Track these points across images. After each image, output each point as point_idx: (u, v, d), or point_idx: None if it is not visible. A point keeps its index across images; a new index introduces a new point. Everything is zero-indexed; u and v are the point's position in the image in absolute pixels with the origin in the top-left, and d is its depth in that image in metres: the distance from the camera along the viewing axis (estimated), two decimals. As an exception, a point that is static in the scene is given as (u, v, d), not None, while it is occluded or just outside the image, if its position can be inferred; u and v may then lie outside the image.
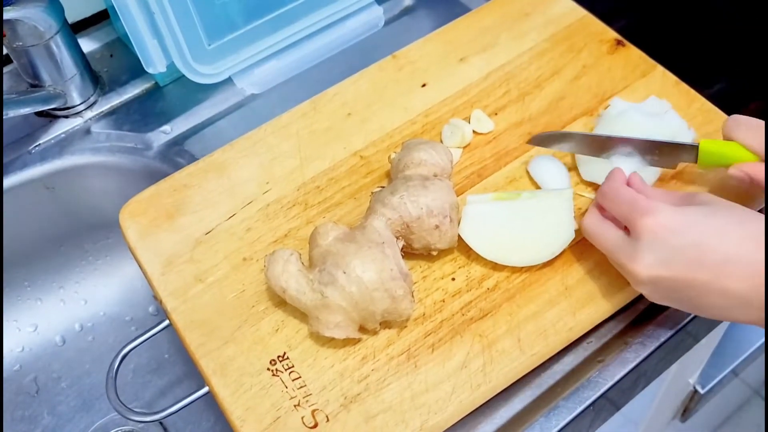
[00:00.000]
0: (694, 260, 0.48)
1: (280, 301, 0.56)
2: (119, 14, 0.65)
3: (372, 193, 0.58)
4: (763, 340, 1.02)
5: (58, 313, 0.80)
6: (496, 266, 0.57)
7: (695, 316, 0.58)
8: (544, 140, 0.62)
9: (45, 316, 0.80)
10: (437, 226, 0.55)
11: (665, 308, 0.58)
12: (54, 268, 0.80)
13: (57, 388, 0.77)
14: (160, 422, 0.75)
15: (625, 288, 0.56)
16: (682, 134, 0.62)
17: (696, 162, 0.58)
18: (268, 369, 0.54)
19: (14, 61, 0.71)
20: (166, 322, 0.58)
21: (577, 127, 0.65)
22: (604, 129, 0.63)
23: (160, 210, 0.63)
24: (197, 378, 0.56)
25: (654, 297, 0.51)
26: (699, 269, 0.48)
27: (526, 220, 0.57)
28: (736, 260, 0.47)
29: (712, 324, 0.65)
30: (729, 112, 0.64)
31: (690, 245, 0.48)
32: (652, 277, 0.49)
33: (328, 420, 0.51)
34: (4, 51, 0.73)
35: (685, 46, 0.76)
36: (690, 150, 0.58)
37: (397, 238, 0.56)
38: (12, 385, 0.77)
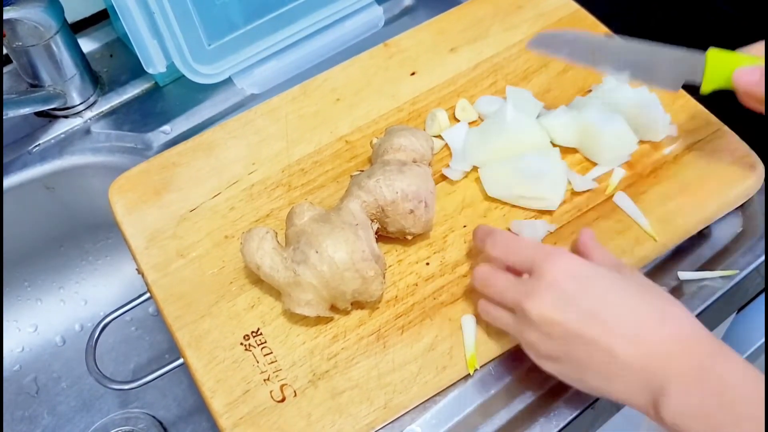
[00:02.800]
0: (587, 312, 0.46)
1: (257, 278, 0.57)
2: (119, 14, 0.65)
3: (351, 176, 0.59)
4: (763, 340, 1.02)
5: (58, 313, 0.80)
6: (470, 252, 0.58)
7: (696, 316, 0.57)
8: (542, 42, 0.60)
9: (45, 316, 0.80)
10: (412, 211, 0.56)
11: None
12: (54, 268, 0.80)
13: (57, 388, 0.77)
14: (160, 422, 0.75)
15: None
16: (663, 127, 0.63)
17: (701, 83, 0.53)
18: (241, 344, 0.55)
19: (14, 61, 0.71)
20: (147, 294, 0.60)
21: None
22: (592, 103, 0.63)
23: (148, 186, 0.64)
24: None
25: (543, 348, 0.48)
26: (590, 323, 0.46)
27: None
28: (629, 324, 0.45)
29: (712, 324, 0.65)
30: (729, 112, 0.64)
31: (587, 296, 0.46)
32: (545, 318, 0.46)
33: (295, 395, 0.52)
34: (4, 51, 0.73)
35: (685, 47, 0.77)
36: (695, 62, 0.53)
37: (372, 221, 0.56)
38: (12, 385, 0.77)
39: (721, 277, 0.59)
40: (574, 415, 0.54)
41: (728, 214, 0.61)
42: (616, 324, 0.45)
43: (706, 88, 0.54)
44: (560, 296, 0.46)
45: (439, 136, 0.65)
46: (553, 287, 0.47)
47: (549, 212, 0.60)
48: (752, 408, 0.42)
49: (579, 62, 0.59)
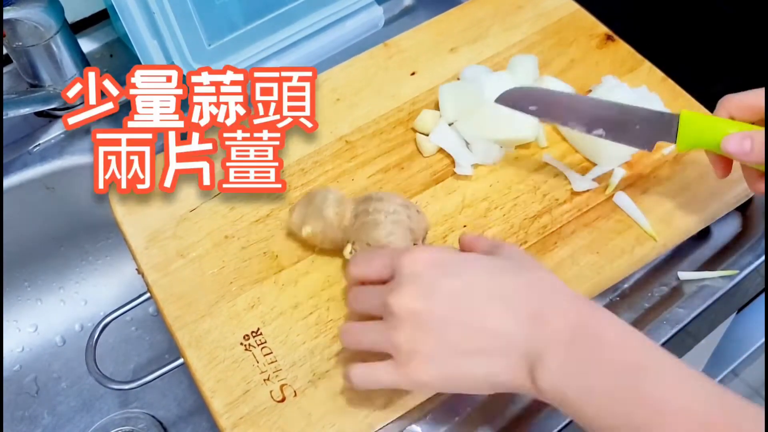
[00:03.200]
0: (452, 295, 0.45)
1: (257, 278, 0.58)
2: (119, 14, 0.65)
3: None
4: (763, 340, 1.02)
5: (58, 313, 0.80)
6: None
7: (696, 317, 0.57)
8: (511, 98, 0.57)
9: (45, 316, 0.80)
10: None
11: (666, 308, 0.58)
12: (54, 268, 0.80)
13: (57, 388, 0.77)
14: (160, 422, 0.75)
15: (596, 277, 0.56)
16: None
17: (675, 141, 0.53)
18: (241, 344, 0.55)
19: (14, 61, 0.71)
20: (147, 294, 0.60)
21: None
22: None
23: None
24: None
25: (415, 346, 0.45)
26: (457, 304, 0.45)
27: None
28: (498, 299, 0.45)
29: (712, 324, 0.65)
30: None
31: (450, 280, 0.45)
32: (409, 309, 0.45)
33: (296, 395, 0.52)
34: (4, 51, 0.73)
35: (686, 47, 0.77)
36: (668, 123, 0.52)
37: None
38: (12, 385, 0.77)
39: (721, 277, 0.59)
40: (574, 415, 0.54)
41: (728, 214, 0.61)
42: (484, 300, 0.45)
43: (680, 148, 0.53)
44: (421, 285, 0.46)
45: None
46: (414, 278, 0.46)
47: (549, 210, 0.60)
48: (628, 364, 0.41)
49: (548, 120, 0.59)
